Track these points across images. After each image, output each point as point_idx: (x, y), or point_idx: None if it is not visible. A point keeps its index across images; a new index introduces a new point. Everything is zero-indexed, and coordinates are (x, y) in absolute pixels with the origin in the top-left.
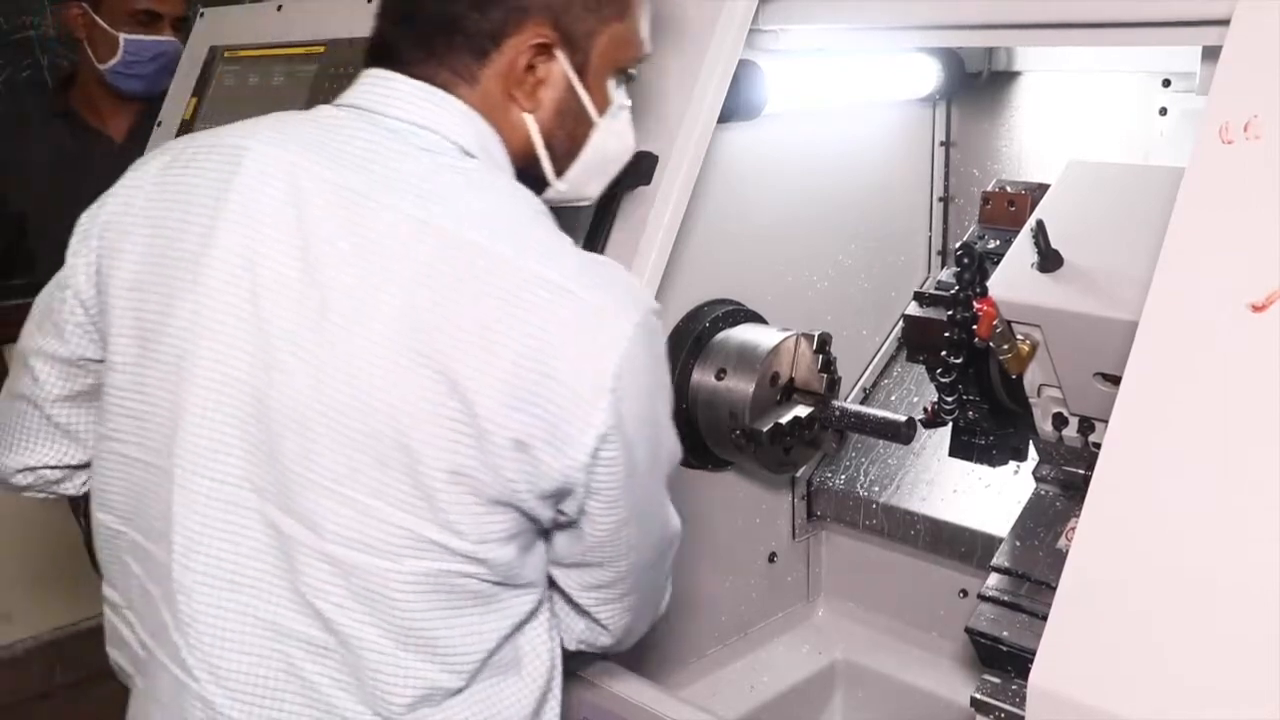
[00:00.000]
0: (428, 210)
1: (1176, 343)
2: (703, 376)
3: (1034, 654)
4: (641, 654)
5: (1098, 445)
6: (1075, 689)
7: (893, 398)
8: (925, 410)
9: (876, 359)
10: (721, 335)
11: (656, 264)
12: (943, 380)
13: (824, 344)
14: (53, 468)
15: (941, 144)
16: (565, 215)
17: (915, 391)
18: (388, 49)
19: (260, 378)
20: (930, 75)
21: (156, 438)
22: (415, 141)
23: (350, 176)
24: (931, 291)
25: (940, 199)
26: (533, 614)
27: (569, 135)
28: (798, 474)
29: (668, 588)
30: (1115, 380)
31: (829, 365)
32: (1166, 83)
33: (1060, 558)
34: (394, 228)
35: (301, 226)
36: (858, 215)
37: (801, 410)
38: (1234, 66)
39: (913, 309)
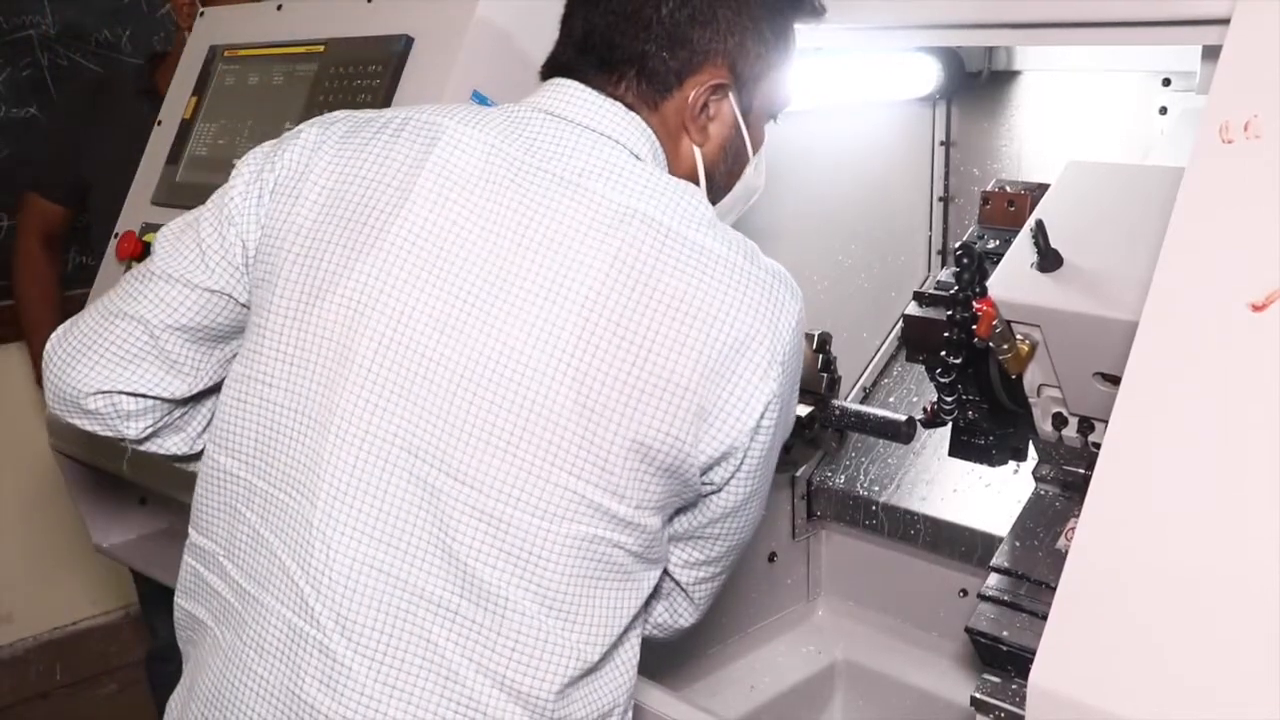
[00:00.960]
0: (622, 195)
1: (1176, 343)
2: None
3: (1034, 654)
4: (642, 654)
5: (1097, 445)
6: (1075, 689)
7: (892, 398)
8: (925, 410)
9: (876, 359)
10: None
11: None
12: (942, 380)
13: (824, 343)
14: (135, 395)
15: (941, 144)
16: None
17: (915, 391)
18: (570, 68)
19: (435, 338)
20: (930, 75)
21: (313, 386)
22: (601, 144)
23: (546, 162)
24: (931, 291)
25: (940, 199)
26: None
27: (729, 170)
28: (798, 473)
29: None
30: (1115, 380)
31: (829, 365)
32: (1166, 82)
33: (1060, 558)
34: (592, 211)
35: (496, 202)
36: (858, 215)
37: (801, 410)
38: (1234, 66)
39: (912, 309)
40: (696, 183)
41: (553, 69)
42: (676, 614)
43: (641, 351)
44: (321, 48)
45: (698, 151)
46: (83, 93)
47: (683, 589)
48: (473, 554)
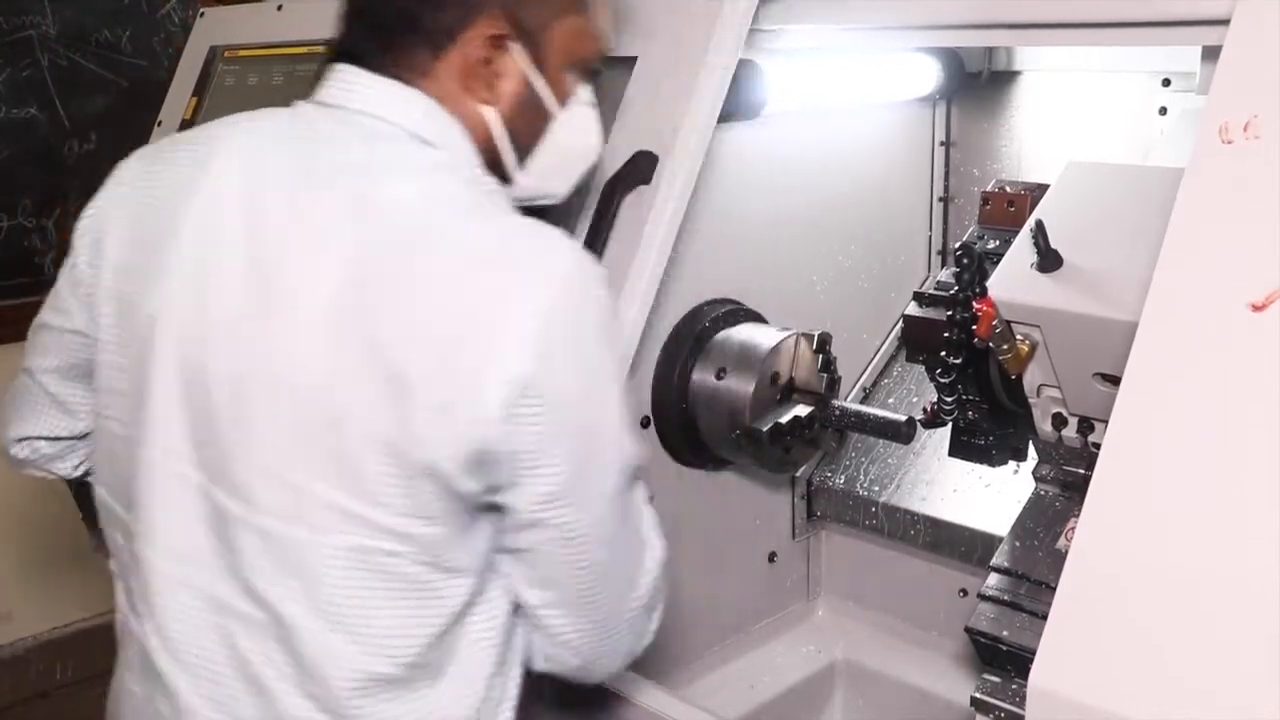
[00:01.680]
0: (364, 188)
1: (1176, 343)
2: (703, 376)
3: (1034, 653)
4: (641, 654)
5: (1097, 445)
6: (1075, 689)
7: (892, 398)
8: (925, 410)
9: (876, 359)
10: (721, 335)
11: (656, 263)
12: (942, 380)
13: (824, 343)
14: (46, 439)
15: (941, 144)
16: (563, 217)
17: (915, 391)
18: (351, 46)
19: (205, 355)
20: (930, 75)
21: (130, 413)
22: (373, 131)
23: (304, 163)
24: (931, 292)
25: (940, 199)
26: (470, 606)
27: (528, 127)
28: (798, 473)
29: (649, 623)
30: (1115, 380)
31: (829, 365)
32: (1166, 82)
33: (1060, 558)
34: (334, 207)
35: (252, 211)
36: (858, 215)
37: (801, 410)
38: (1234, 66)
39: (912, 309)
40: (494, 146)
41: (338, 45)
42: (552, 649)
43: (378, 349)
44: (321, 48)
45: (489, 112)
46: None
47: (532, 616)
48: (255, 572)
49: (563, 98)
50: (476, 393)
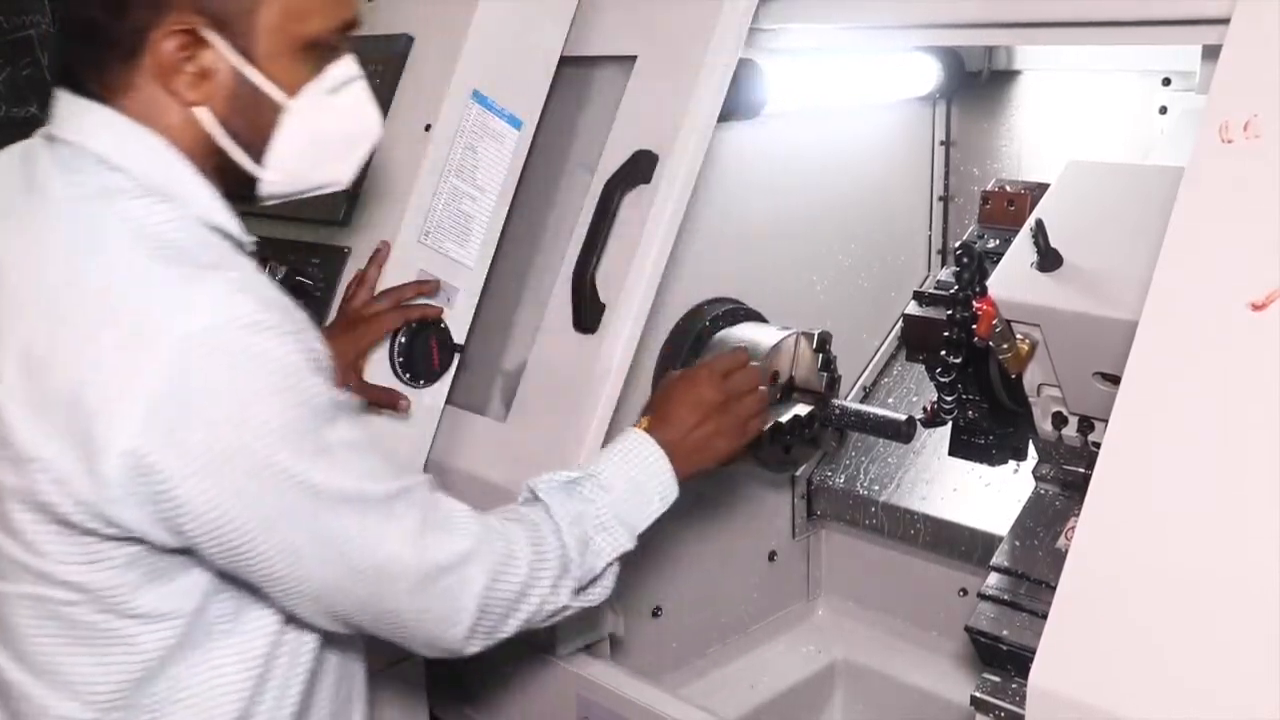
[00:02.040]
0: (46, 229)
1: (1176, 342)
2: None
3: (1034, 653)
4: (642, 654)
5: (1097, 444)
6: (1075, 688)
7: (892, 397)
8: (925, 409)
9: (876, 358)
10: (721, 334)
11: (656, 263)
12: (942, 380)
13: (824, 343)
14: None
15: (941, 143)
16: (562, 216)
17: (915, 391)
18: (65, 67)
19: None
20: (930, 74)
21: None
22: (60, 159)
23: (19, 196)
24: (931, 291)
25: (940, 198)
26: (185, 649)
27: (251, 123)
28: (798, 473)
29: (468, 595)
30: (1115, 380)
31: (829, 364)
32: (1166, 81)
33: (1060, 557)
34: (28, 250)
35: None
36: (858, 215)
37: (801, 409)
38: (1234, 65)
39: (912, 308)
40: (213, 148)
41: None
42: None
43: (10, 400)
44: None
45: (203, 113)
46: None
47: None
48: None
49: (292, 85)
50: (91, 463)
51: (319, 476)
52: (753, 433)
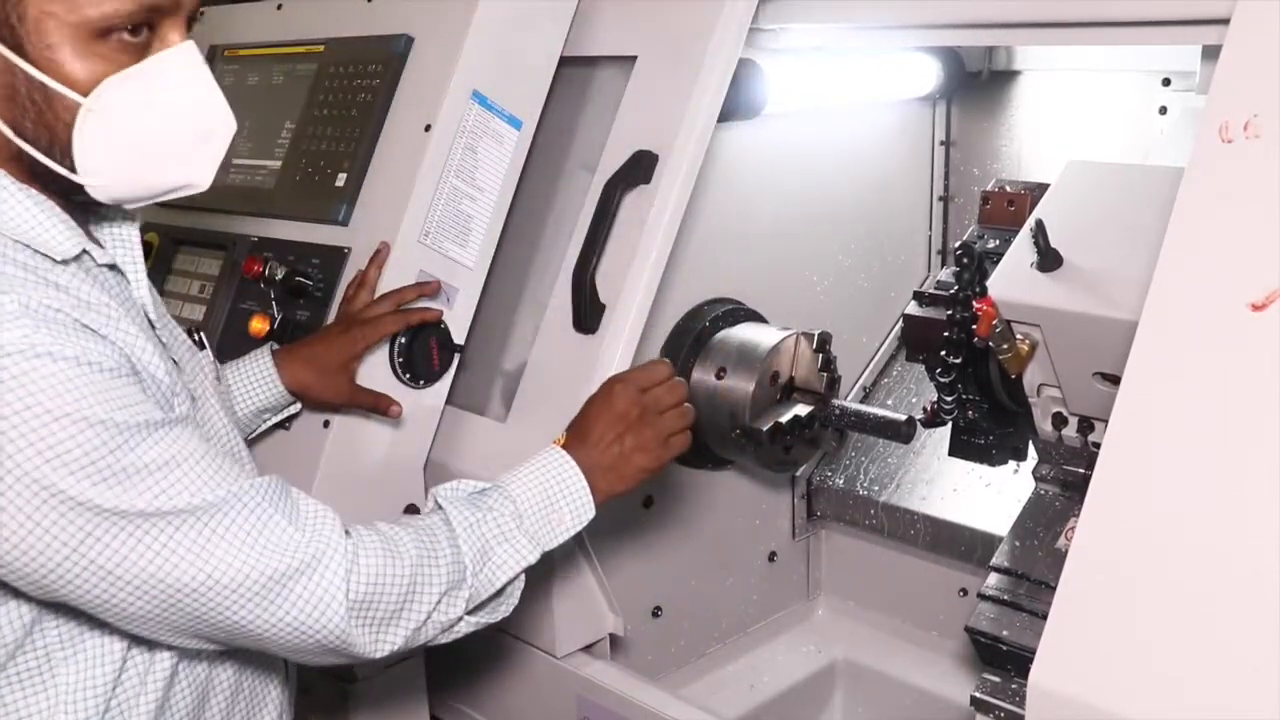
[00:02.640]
0: None
1: (1176, 342)
2: (703, 375)
3: (1034, 653)
4: (642, 654)
5: (1097, 445)
6: (1075, 688)
7: (892, 397)
8: (925, 410)
9: (876, 358)
10: (721, 334)
11: (656, 263)
12: (942, 380)
13: (824, 343)
14: None
15: (941, 143)
16: (561, 216)
17: (915, 391)
18: None
19: None
20: (930, 74)
21: None
22: None
23: None
24: (931, 291)
25: (940, 198)
26: (14, 675)
27: (40, 123)
28: (798, 473)
29: (320, 612)
30: (1115, 380)
31: (829, 364)
32: (1166, 82)
33: (1060, 557)
34: None
35: None
36: (858, 215)
37: (801, 409)
38: (1234, 65)
39: (912, 308)
40: (17, 153)
41: None
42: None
43: None
44: (321, 47)
45: None
46: None
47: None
48: None
49: (85, 80)
50: None
51: (114, 500)
52: (676, 449)
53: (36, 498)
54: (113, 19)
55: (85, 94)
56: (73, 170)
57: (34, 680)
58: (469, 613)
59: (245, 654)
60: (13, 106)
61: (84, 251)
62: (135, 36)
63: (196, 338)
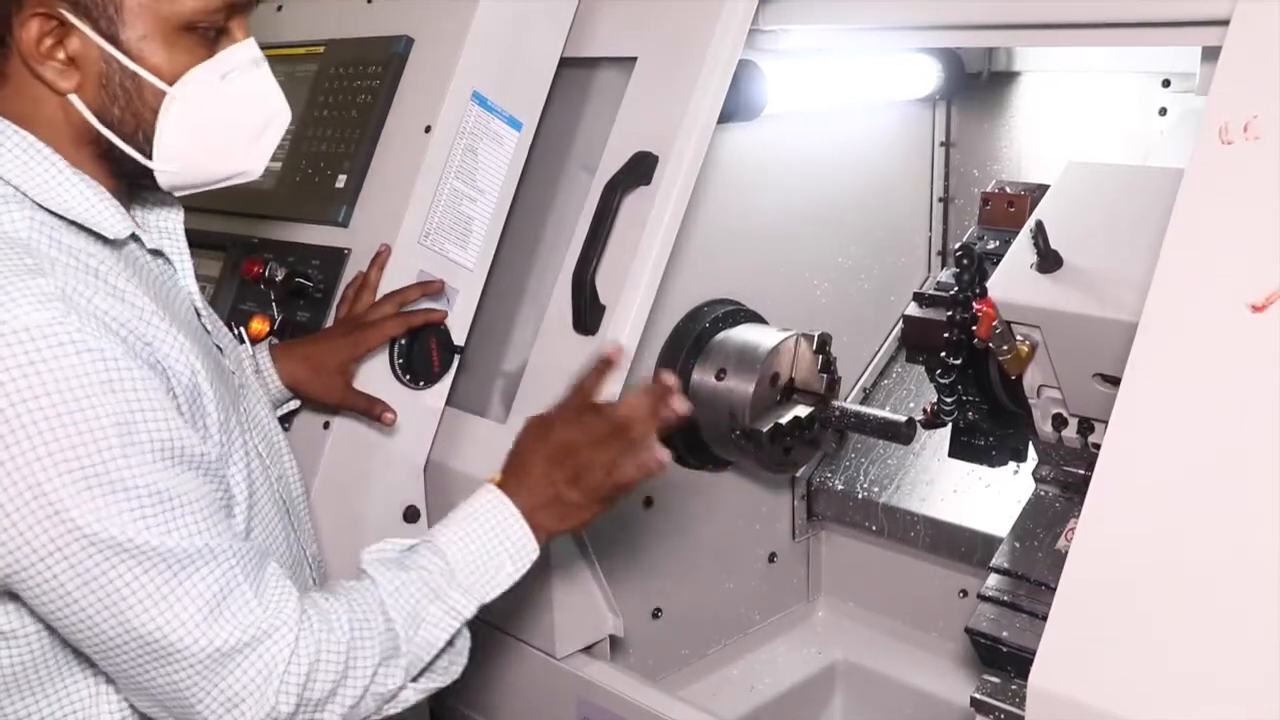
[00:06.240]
0: None
1: (1176, 343)
2: (703, 376)
3: (1034, 654)
4: (642, 654)
5: (1097, 445)
6: (1075, 689)
7: (892, 398)
8: (925, 411)
9: (876, 359)
10: (721, 335)
11: (656, 264)
12: (942, 381)
13: (824, 344)
14: None
15: (941, 144)
16: (561, 217)
17: (915, 392)
18: None
19: None
20: (930, 75)
21: None
22: None
23: None
24: (931, 292)
25: (940, 199)
26: (40, 667)
27: (128, 110)
28: (798, 474)
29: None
30: (1114, 381)
31: (829, 365)
32: (1166, 83)
33: (1060, 558)
34: None
35: None
36: (858, 216)
37: (801, 410)
38: (1234, 67)
39: (912, 309)
40: (95, 138)
41: None
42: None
43: None
44: (321, 48)
45: (76, 100)
46: None
47: None
48: None
49: (172, 70)
50: None
51: (90, 515)
52: (624, 481)
53: (15, 487)
54: (200, 14)
55: (171, 83)
56: (149, 156)
57: (67, 671)
58: (414, 680)
59: None
60: (103, 93)
61: (133, 236)
62: (218, 33)
63: (236, 332)
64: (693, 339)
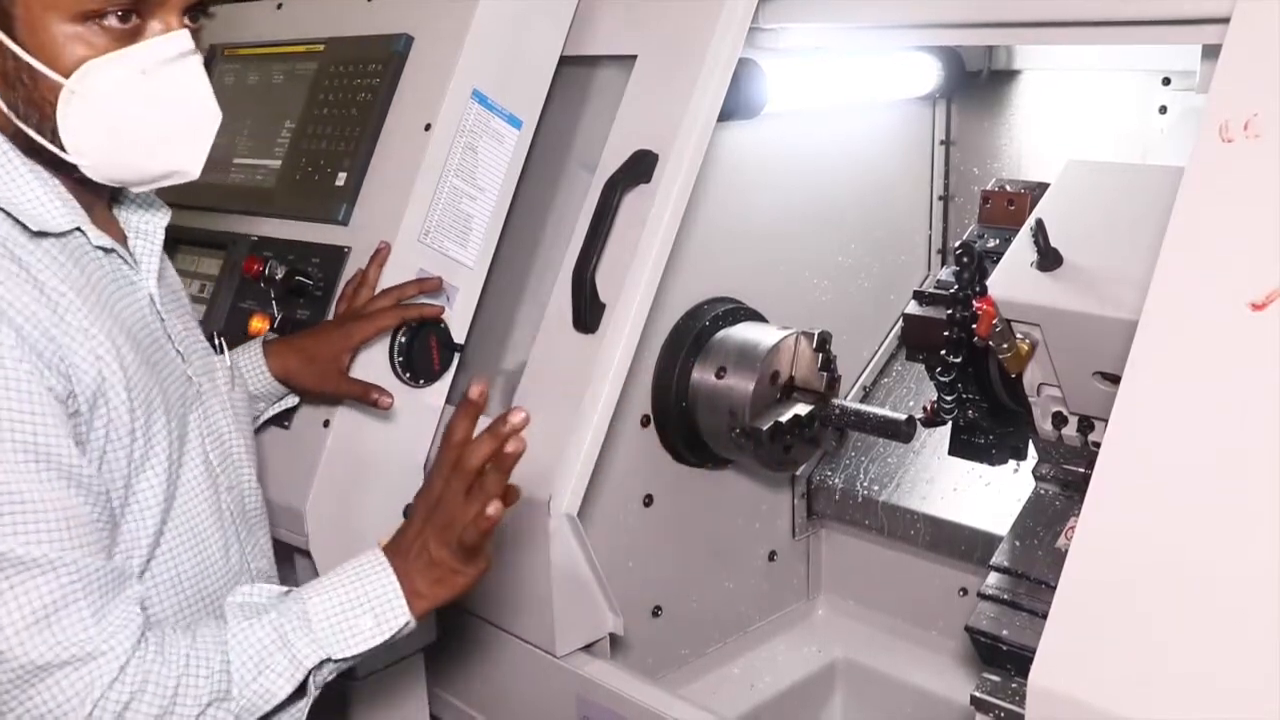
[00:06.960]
0: None
1: (1176, 342)
2: (703, 375)
3: (1034, 652)
4: (642, 654)
5: (1097, 444)
6: (1075, 688)
7: (892, 397)
8: (925, 409)
9: (876, 357)
10: (721, 333)
11: (656, 262)
12: (942, 379)
13: (824, 342)
14: None
15: (941, 143)
16: (561, 215)
17: (915, 390)
18: None
19: None
20: (930, 74)
21: None
22: None
23: None
24: (931, 290)
25: (940, 198)
26: None
27: (30, 102)
28: (798, 472)
29: None
30: (1114, 379)
31: (829, 363)
32: (1166, 81)
33: (1060, 557)
34: None
35: None
36: (858, 214)
37: (801, 408)
38: (1234, 65)
39: (912, 308)
40: (12, 127)
41: None
42: None
43: None
44: (321, 47)
45: None
46: None
47: None
48: None
49: (65, 63)
50: None
51: None
52: (476, 536)
53: None
54: (101, 5)
55: (68, 75)
56: (63, 149)
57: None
58: None
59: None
60: (5, 86)
61: (77, 229)
62: (125, 23)
63: (217, 343)
64: (693, 337)
